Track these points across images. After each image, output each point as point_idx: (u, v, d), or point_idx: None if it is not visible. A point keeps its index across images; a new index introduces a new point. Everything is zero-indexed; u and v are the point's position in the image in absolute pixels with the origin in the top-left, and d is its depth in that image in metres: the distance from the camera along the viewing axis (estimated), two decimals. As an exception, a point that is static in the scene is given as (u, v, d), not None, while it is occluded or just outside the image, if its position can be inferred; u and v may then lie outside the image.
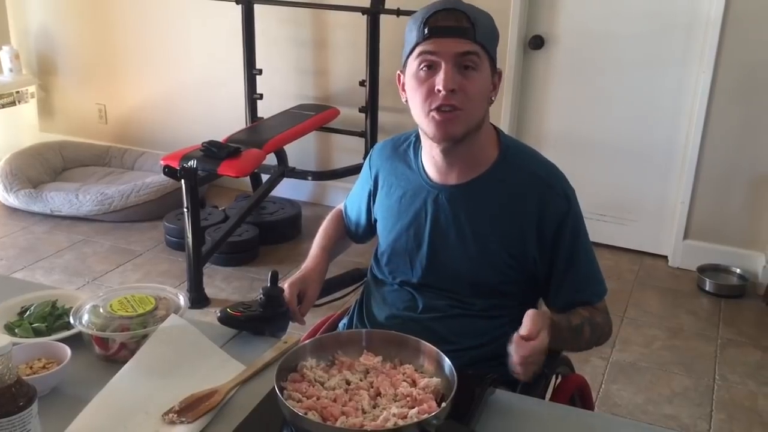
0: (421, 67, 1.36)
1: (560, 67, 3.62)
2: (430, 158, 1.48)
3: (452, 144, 1.40)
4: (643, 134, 3.55)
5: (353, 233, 1.73)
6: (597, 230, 3.57)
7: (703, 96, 3.32)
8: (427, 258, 1.50)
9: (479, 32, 1.33)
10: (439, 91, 1.33)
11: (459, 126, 1.37)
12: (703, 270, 3.45)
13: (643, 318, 3.14)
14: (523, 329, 1.23)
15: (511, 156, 1.47)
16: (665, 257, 3.66)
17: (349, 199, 1.73)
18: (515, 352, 1.22)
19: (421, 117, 1.40)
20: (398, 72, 1.45)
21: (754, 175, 3.38)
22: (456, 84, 1.33)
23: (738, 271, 3.44)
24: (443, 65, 1.33)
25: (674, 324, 3.09)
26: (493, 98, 1.43)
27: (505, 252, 1.44)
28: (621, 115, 3.57)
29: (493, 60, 1.39)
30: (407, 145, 1.57)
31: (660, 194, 3.61)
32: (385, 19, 3.55)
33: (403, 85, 1.43)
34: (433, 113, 1.36)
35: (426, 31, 1.34)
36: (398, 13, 3.38)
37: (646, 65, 3.45)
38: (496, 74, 1.41)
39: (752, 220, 3.44)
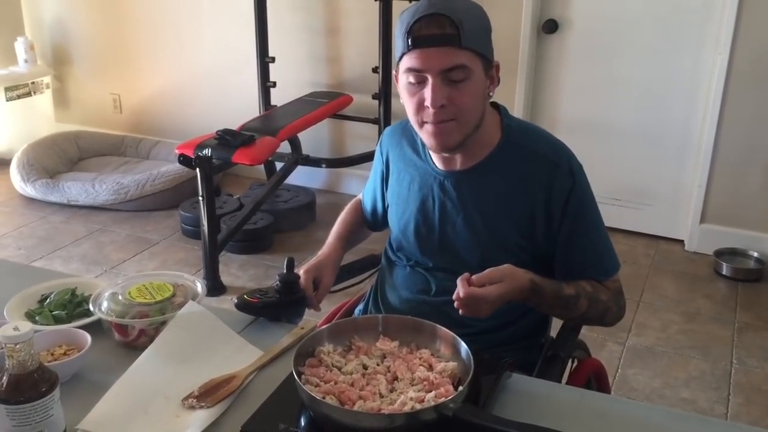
0: (410, 80, 1.34)
1: (574, 51, 3.59)
2: None
3: (450, 152, 1.42)
4: (658, 118, 3.52)
5: (371, 221, 1.74)
6: (613, 215, 3.55)
7: (720, 78, 3.28)
8: (437, 243, 1.51)
9: (465, 36, 1.27)
10: (428, 106, 1.33)
11: (455, 135, 1.37)
12: (720, 254, 3.43)
13: (659, 302, 3.12)
14: (476, 275, 1.28)
15: (514, 137, 1.46)
16: (681, 241, 3.64)
17: (366, 188, 1.74)
18: (457, 288, 1.26)
19: (416, 127, 1.41)
20: (394, 72, 1.44)
21: (772, 157, 3.35)
22: (445, 98, 1.31)
23: (755, 254, 3.41)
24: (430, 80, 1.31)
25: (691, 308, 3.08)
26: (491, 93, 1.40)
27: (515, 233, 1.44)
28: (636, 99, 3.54)
29: (486, 58, 1.34)
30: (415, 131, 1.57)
31: (676, 178, 3.58)
32: (397, 6, 3.53)
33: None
34: (427, 125, 1.36)
35: (410, 41, 1.30)
36: (411, -2, 3.37)
37: (661, 48, 3.41)
38: (492, 69, 1.38)
39: (770, 204, 3.41)
